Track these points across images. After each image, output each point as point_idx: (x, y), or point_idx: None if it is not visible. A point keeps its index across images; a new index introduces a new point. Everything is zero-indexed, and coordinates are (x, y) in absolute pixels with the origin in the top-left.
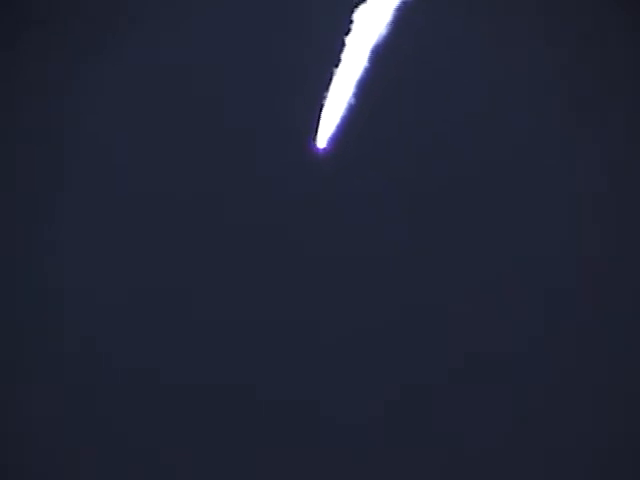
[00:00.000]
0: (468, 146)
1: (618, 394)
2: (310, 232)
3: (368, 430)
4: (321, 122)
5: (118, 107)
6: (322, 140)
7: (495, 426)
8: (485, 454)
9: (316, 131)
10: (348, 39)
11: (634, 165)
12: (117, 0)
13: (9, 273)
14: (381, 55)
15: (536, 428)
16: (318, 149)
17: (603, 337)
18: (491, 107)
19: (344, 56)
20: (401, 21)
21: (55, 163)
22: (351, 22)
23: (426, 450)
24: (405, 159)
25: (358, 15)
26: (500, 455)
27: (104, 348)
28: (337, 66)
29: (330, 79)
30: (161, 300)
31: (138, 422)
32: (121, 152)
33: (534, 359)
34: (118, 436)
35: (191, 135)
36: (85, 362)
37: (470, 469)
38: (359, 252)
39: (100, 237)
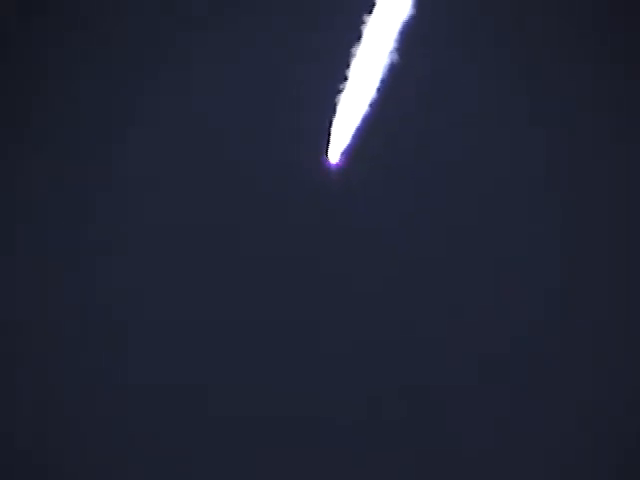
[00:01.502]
0: (468, 147)
1: (618, 393)
2: (310, 234)
3: (368, 431)
4: (331, 134)
5: (119, 114)
6: (335, 150)
7: (495, 426)
8: (484, 454)
9: (327, 143)
10: (357, 51)
11: (634, 165)
12: (117, 1)
13: (9, 273)
14: (391, 72)
15: (536, 428)
16: (328, 159)
17: (603, 337)
18: (501, 114)
19: (353, 67)
20: (411, 37)
21: (57, 169)
22: (360, 36)
23: (426, 450)
24: (406, 159)
25: (366, 28)
26: (500, 455)
27: (104, 348)
28: (346, 79)
29: (338, 93)
30: (161, 300)
31: (138, 422)
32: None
33: (534, 359)
34: (118, 436)
35: (197, 142)
36: (85, 362)
37: (470, 469)
38: (359, 254)
39: (99, 237)
